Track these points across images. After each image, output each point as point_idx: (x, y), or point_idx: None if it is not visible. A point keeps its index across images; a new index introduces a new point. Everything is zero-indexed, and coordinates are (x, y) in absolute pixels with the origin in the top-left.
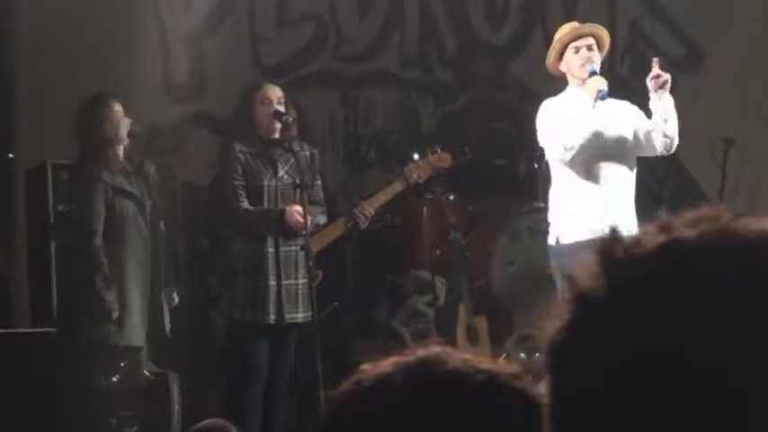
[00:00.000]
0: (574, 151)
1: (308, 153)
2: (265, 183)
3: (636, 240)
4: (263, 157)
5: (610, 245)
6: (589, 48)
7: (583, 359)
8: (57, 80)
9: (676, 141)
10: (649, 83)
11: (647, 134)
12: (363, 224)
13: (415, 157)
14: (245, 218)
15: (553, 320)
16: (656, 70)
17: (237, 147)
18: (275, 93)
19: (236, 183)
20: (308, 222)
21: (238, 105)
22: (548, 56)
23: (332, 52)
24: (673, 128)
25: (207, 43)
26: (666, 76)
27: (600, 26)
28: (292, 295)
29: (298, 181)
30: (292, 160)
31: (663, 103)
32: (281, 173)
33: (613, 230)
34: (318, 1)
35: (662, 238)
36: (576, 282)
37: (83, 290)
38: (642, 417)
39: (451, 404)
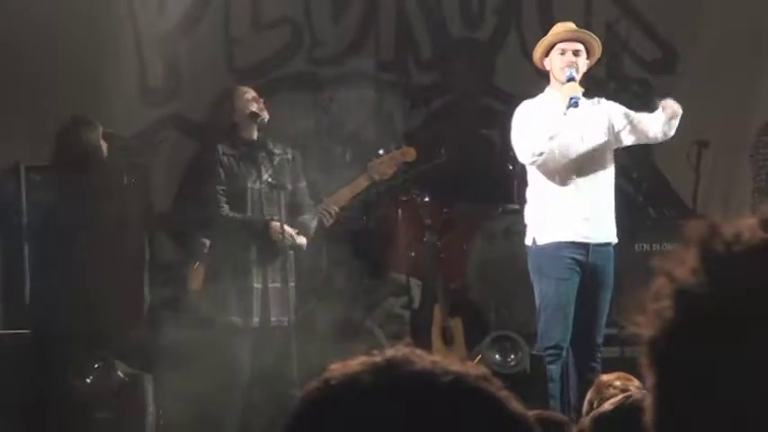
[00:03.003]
0: (542, 158)
1: (290, 156)
2: (249, 185)
3: (736, 235)
4: (247, 159)
5: (709, 240)
6: (575, 53)
7: (688, 356)
8: (29, 82)
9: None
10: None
11: (637, 123)
12: (328, 222)
13: (380, 152)
14: (226, 224)
15: (648, 316)
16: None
17: (221, 149)
18: (249, 93)
19: (218, 188)
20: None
21: (215, 108)
22: (534, 50)
23: (306, 55)
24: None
25: (181, 45)
26: (677, 108)
27: (593, 35)
28: (277, 298)
29: (274, 182)
30: (275, 163)
31: (670, 126)
32: (264, 176)
33: (712, 225)
34: (293, 3)
35: (764, 234)
36: (675, 277)
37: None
38: (750, 407)
39: (418, 405)
